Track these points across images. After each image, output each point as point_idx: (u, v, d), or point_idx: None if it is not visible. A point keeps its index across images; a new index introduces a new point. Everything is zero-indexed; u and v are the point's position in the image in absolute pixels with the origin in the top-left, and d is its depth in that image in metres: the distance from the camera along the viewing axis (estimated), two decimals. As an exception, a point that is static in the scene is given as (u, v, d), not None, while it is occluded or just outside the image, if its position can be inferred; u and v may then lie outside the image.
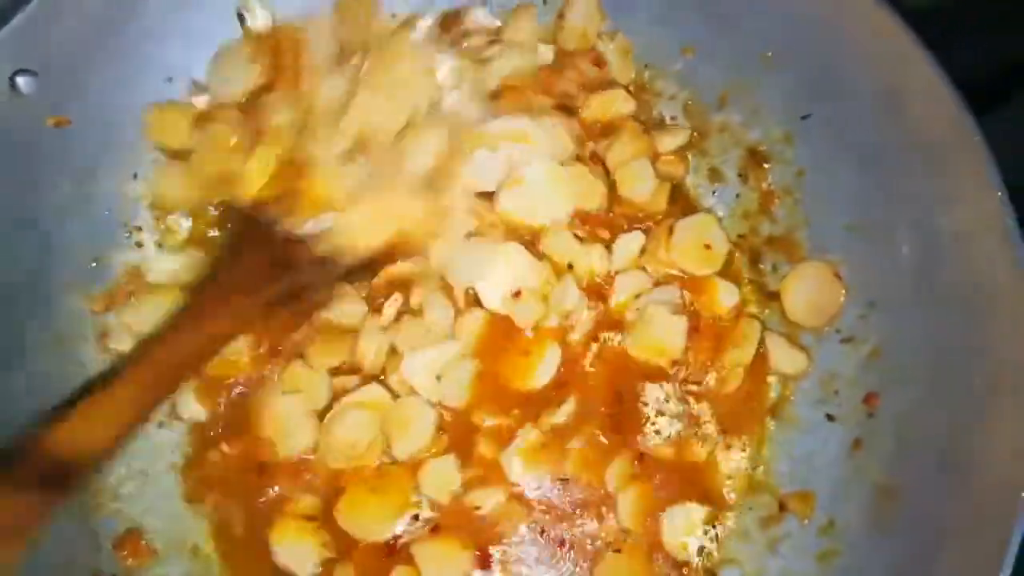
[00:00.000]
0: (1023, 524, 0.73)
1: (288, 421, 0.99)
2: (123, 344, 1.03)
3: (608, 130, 1.07)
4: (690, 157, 1.10)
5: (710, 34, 1.07)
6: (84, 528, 0.97)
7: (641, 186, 1.04)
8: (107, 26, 0.97)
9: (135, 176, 1.07)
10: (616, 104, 1.07)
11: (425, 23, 1.07)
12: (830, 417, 0.98)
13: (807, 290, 1.02)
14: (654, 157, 1.06)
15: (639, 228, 1.05)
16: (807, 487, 0.98)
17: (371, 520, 0.97)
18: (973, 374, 0.84)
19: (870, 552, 0.89)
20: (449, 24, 1.09)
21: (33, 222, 0.98)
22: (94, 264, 1.05)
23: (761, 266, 1.07)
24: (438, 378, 0.99)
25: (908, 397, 0.91)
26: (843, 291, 1.00)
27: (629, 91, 1.09)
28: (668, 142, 1.08)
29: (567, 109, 1.07)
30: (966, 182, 0.84)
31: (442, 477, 0.97)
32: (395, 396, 0.99)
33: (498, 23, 1.10)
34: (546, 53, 1.09)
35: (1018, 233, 0.79)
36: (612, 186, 1.05)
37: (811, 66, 0.99)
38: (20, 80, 0.92)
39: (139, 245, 1.08)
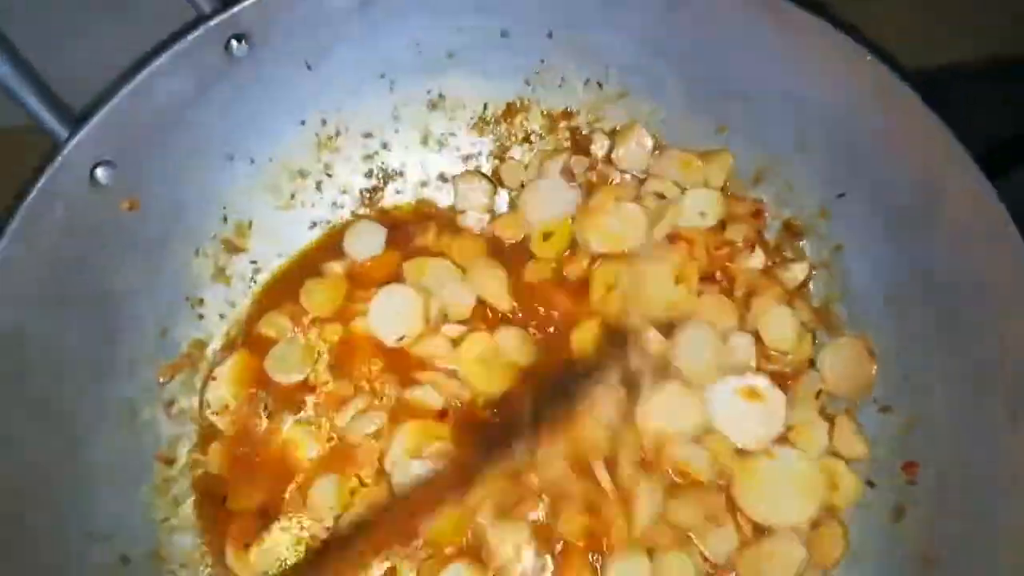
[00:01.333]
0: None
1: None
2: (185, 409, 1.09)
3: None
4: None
5: (743, 114, 1.12)
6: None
7: (786, 334, 1.06)
8: (175, 114, 1.03)
9: (197, 252, 1.12)
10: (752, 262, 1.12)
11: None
12: (870, 484, 1.03)
13: (841, 364, 1.06)
14: (788, 300, 1.09)
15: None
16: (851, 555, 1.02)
17: None
18: (1013, 449, 0.88)
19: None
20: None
21: (104, 299, 1.03)
22: (161, 337, 1.09)
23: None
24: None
25: (947, 467, 0.95)
26: (875, 367, 1.04)
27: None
28: (792, 277, 1.11)
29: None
30: (1000, 269, 0.89)
31: None
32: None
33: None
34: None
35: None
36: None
37: (843, 149, 1.04)
38: (99, 171, 0.97)
39: (201, 317, 1.13)
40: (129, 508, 1.03)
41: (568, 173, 1.17)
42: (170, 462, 1.08)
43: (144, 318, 1.08)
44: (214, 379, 1.10)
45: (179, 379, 1.11)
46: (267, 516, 1.04)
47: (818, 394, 1.05)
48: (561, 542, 1.01)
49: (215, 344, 1.14)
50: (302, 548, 1.03)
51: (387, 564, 1.01)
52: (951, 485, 0.95)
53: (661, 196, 1.13)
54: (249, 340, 1.13)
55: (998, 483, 0.89)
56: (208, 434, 1.09)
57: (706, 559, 1.01)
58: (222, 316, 1.15)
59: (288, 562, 1.02)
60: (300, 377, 1.09)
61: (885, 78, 0.95)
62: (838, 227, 1.09)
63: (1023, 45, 1.25)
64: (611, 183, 1.16)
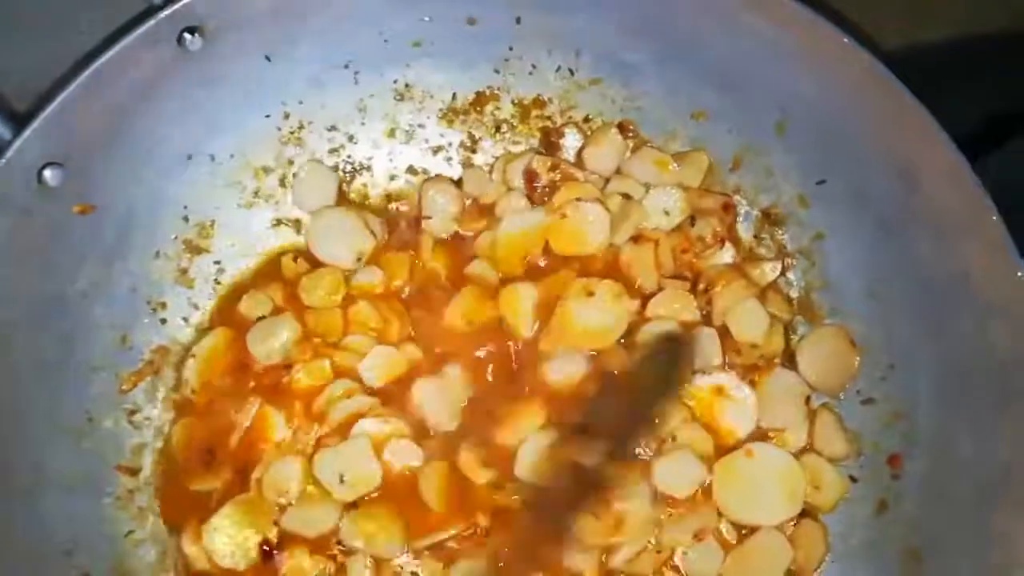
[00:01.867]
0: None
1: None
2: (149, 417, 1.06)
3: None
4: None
5: (720, 100, 1.09)
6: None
7: (756, 328, 1.03)
8: (127, 112, 0.98)
9: (157, 254, 1.08)
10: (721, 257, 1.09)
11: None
12: (853, 479, 1.01)
13: (822, 355, 1.04)
14: (759, 294, 1.06)
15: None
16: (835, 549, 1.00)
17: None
18: (998, 440, 0.86)
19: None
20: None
21: (60, 303, 1.00)
22: (121, 343, 1.06)
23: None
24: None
25: (931, 459, 0.93)
26: (857, 357, 1.02)
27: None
28: (761, 274, 1.08)
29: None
30: (982, 256, 0.87)
31: None
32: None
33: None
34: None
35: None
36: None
37: (823, 135, 1.01)
38: (47, 173, 0.93)
39: (163, 322, 1.09)
40: (89, 522, 0.99)
41: (531, 174, 1.13)
42: (134, 473, 1.04)
43: (102, 324, 1.04)
44: (193, 356, 1.06)
45: (142, 387, 1.07)
46: (226, 497, 1.01)
47: (807, 399, 1.03)
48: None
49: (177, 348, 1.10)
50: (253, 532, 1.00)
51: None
52: (936, 478, 0.93)
53: (626, 196, 1.10)
54: (228, 320, 1.09)
55: (984, 473, 0.87)
56: (180, 410, 1.06)
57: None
58: (185, 320, 1.11)
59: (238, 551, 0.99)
60: (279, 358, 1.05)
61: (867, 64, 0.92)
62: (818, 215, 1.07)
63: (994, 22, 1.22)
64: (574, 182, 1.12)
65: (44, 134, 0.91)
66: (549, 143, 1.17)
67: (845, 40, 0.92)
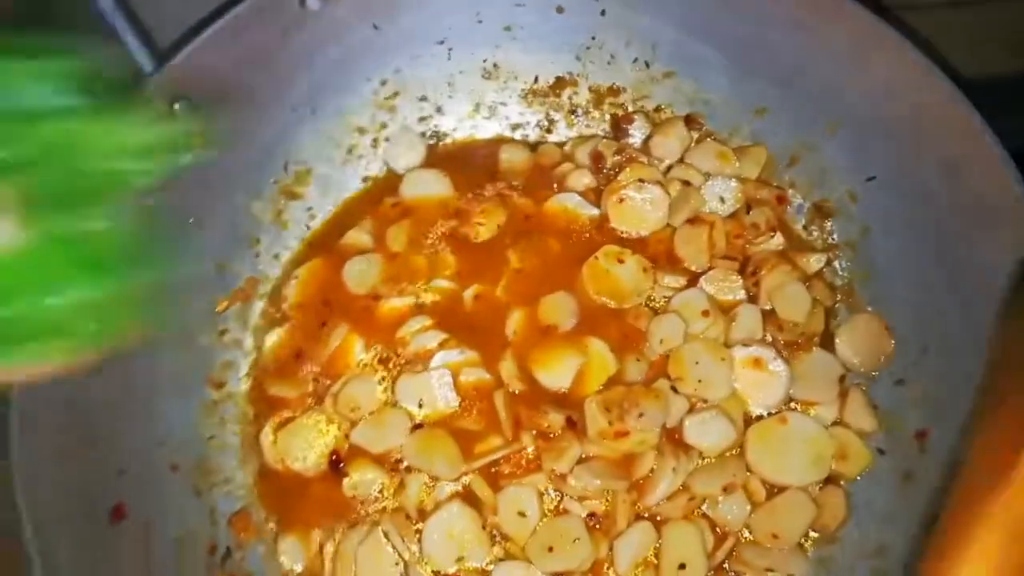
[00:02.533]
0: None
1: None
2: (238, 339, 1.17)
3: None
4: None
5: (782, 98, 1.17)
6: (203, 506, 1.09)
7: (799, 308, 1.11)
8: (250, 61, 1.10)
9: (258, 195, 1.20)
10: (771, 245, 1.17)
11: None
12: (881, 451, 1.07)
13: (859, 339, 1.10)
14: (804, 280, 1.14)
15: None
16: (861, 516, 1.06)
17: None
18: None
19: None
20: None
21: (177, 230, 1.11)
22: (219, 270, 1.17)
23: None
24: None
25: (955, 435, 1.00)
26: (892, 342, 1.09)
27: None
28: (808, 264, 1.15)
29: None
30: (1018, 244, 0.94)
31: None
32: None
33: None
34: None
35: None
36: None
37: (875, 133, 1.09)
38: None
39: (256, 256, 1.21)
40: (179, 422, 1.10)
41: (597, 155, 1.23)
42: (219, 386, 1.15)
43: (203, 250, 1.15)
44: (295, 278, 1.17)
45: (233, 311, 1.18)
46: (305, 407, 1.12)
47: (842, 378, 1.09)
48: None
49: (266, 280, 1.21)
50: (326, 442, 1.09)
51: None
52: (959, 451, 0.99)
53: (686, 183, 1.19)
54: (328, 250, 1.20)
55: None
56: (274, 324, 1.17)
57: (715, 527, 1.05)
58: (276, 257, 1.22)
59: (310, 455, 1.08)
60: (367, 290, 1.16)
61: (921, 65, 1.00)
62: (866, 210, 1.14)
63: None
64: (639, 164, 1.21)
65: (180, 71, 1.03)
66: (618, 128, 1.27)
67: (904, 41, 1.00)
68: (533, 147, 1.27)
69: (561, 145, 1.27)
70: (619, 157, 1.23)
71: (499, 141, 1.28)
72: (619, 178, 1.20)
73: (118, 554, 0.97)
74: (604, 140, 1.25)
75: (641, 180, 1.18)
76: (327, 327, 1.14)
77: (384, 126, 1.26)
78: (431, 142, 1.28)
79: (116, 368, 0.98)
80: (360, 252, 1.18)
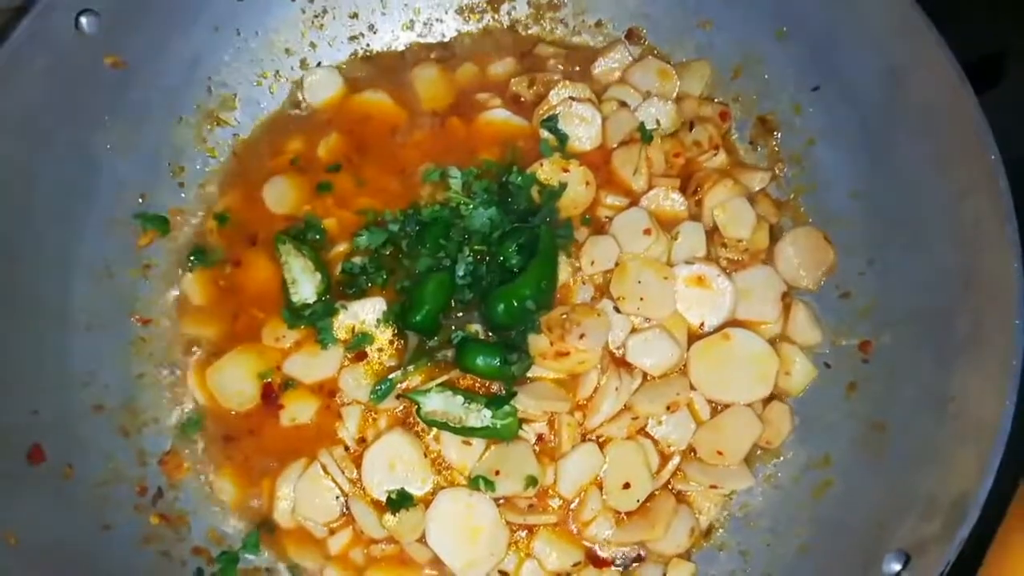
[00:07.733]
0: (1002, 441, 0.81)
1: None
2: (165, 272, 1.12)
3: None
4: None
5: (727, 9, 1.14)
6: (131, 446, 1.05)
7: (743, 224, 1.08)
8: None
9: (180, 120, 1.14)
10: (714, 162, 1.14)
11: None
12: (827, 365, 1.06)
13: (800, 252, 1.08)
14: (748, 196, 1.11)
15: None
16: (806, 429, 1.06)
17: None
18: (958, 322, 0.92)
19: (862, 479, 0.98)
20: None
21: (90, 156, 1.05)
22: (140, 200, 1.11)
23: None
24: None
25: (899, 343, 0.99)
26: (833, 254, 1.07)
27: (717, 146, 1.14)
28: (752, 181, 1.13)
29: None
30: (963, 147, 0.92)
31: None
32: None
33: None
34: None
35: (1008, 192, 0.87)
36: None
37: (820, 41, 1.06)
38: (84, 20, 0.97)
39: (181, 186, 1.15)
40: (105, 360, 1.05)
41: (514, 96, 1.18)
42: (146, 322, 1.10)
43: (125, 180, 1.09)
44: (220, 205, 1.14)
45: (160, 244, 1.12)
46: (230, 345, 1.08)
47: (784, 294, 1.08)
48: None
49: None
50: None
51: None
52: (902, 356, 0.99)
53: (622, 103, 1.15)
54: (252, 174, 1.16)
55: (946, 344, 0.93)
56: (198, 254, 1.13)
57: (659, 445, 1.04)
58: (201, 187, 1.16)
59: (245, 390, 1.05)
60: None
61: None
62: (810, 121, 1.12)
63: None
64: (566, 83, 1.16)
65: (84, -19, 0.96)
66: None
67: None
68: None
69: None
70: (534, 89, 1.18)
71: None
72: (548, 96, 1.15)
73: (38, 497, 0.93)
74: (516, 78, 1.18)
75: (571, 98, 1.14)
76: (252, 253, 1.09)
77: (313, 46, 1.20)
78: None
79: (18, 303, 0.93)
80: (282, 173, 1.14)
